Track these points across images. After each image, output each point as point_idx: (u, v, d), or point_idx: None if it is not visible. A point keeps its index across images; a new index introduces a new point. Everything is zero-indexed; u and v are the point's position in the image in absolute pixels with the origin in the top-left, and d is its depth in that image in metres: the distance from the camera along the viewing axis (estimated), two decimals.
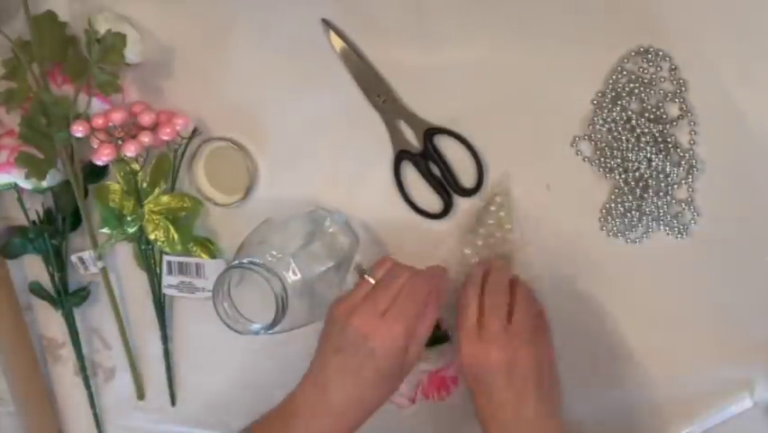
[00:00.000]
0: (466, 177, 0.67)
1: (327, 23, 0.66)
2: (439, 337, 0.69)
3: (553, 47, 0.62)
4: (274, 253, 0.60)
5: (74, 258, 0.77)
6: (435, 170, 0.67)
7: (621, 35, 0.61)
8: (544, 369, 0.61)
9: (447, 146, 0.66)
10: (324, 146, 0.69)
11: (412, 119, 0.66)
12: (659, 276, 0.64)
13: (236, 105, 0.70)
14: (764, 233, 0.61)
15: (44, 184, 0.72)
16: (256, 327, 0.60)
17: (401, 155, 0.67)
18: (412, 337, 0.60)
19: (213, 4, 0.69)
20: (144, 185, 0.72)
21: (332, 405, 0.60)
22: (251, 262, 0.59)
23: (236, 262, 0.59)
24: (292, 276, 0.60)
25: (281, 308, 0.58)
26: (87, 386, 0.81)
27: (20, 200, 0.75)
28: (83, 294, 0.79)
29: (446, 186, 0.67)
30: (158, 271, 0.75)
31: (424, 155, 0.66)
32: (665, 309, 0.65)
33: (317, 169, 0.70)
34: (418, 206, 0.68)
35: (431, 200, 0.67)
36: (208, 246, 0.73)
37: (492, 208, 0.66)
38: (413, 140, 0.67)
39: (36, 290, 0.79)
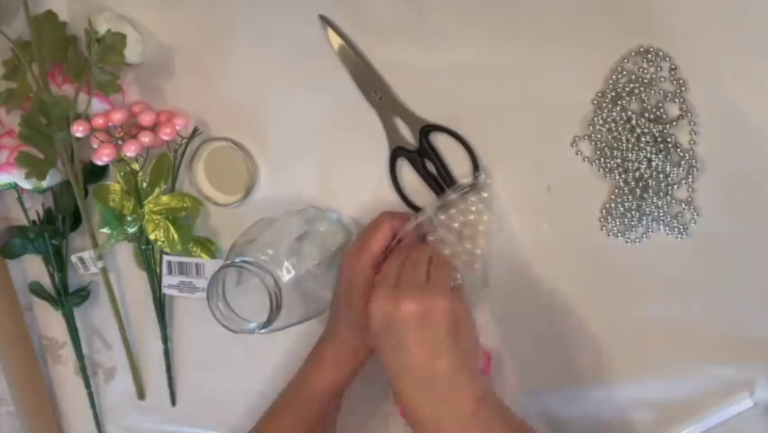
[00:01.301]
0: (462, 174, 0.67)
1: (325, 20, 0.66)
2: None
3: (552, 46, 0.62)
4: (268, 251, 0.61)
5: (74, 258, 0.77)
6: (431, 168, 0.67)
7: (621, 35, 0.61)
8: (461, 326, 0.56)
9: (443, 144, 0.66)
10: (324, 145, 0.69)
11: (408, 116, 0.66)
12: (659, 276, 0.64)
13: (236, 105, 0.70)
14: (764, 232, 0.61)
15: (44, 184, 0.72)
16: (251, 325, 0.60)
17: (397, 152, 0.67)
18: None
19: (213, 4, 0.69)
20: (144, 185, 0.72)
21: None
22: (243, 261, 0.59)
23: (229, 261, 0.59)
24: (285, 274, 0.60)
25: (275, 306, 0.58)
26: (87, 386, 0.81)
27: (20, 200, 0.75)
28: (83, 294, 0.79)
29: (441, 183, 0.67)
30: (158, 271, 0.75)
31: (419, 152, 0.66)
32: (665, 309, 0.65)
33: (317, 168, 0.70)
34: (413, 202, 0.68)
35: (426, 197, 0.67)
36: (208, 246, 0.73)
37: (473, 199, 0.65)
38: (409, 137, 0.67)
39: (36, 290, 0.79)
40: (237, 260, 0.59)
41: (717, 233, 0.62)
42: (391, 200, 0.68)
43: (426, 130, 0.66)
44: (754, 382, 0.64)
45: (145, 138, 0.67)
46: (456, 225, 0.66)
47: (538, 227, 0.66)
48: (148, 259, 0.75)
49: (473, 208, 0.65)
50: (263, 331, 0.60)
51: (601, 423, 0.69)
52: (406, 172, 0.68)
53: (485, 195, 0.65)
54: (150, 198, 0.72)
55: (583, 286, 0.66)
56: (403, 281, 0.57)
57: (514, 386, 0.70)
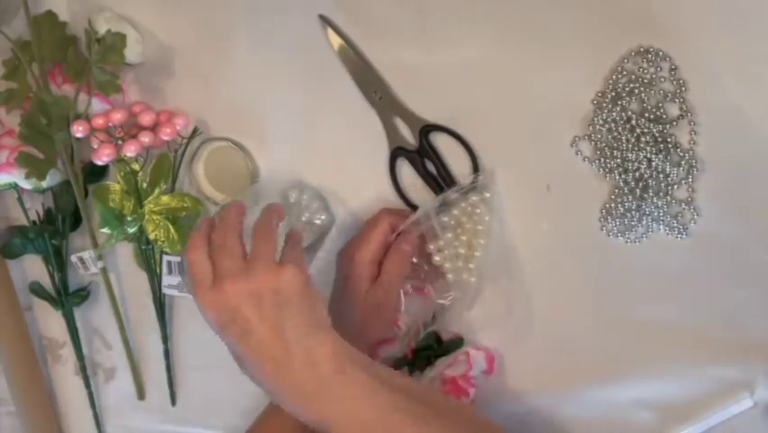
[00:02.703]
0: (462, 174, 0.67)
1: (325, 20, 0.66)
2: (453, 344, 0.69)
3: (553, 47, 0.62)
4: (248, 231, 0.61)
5: (74, 258, 0.77)
6: (431, 168, 0.67)
7: (621, 35, 0.61)
8: (296, 290, 0.53)
9: (443, 144, 0.66)
10: (324, 145, 0.69)
11: (408, 116, 0.66)
12: (659, 276, 0.64)
13: (236, 105, 0.70)
14: (764, 232, 0.61)
15: (44, 184, 0.72)
16: None
17: (397, 152, 0.67)
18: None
19: (213, 4, 0.69)
20: (144, 185, 0.72)
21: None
22: None
23: None
24: None
25: None
26: (87, 386, 0.81)
27: (20, 200, 0.75)
28: (83, 294, 0.79)
29: (441, 183, 0.67)
30: (158, 271, 0.75)
31: (419, 152, 0.66)
32: (665, 309, 0.65)
33: (317, 168, 0.70)
34: (413, 202, 0.68)
35: (426, 197, 0.67)
36: None
37: (473, 199, 0.65)
38: (409, 137, 0.67)
39: (36, 290, 0.79)
40: None
41: (718, 233, 0.62)
42: (391, 200, 0.68)
43: (426, 130, 0.66)
44: (754, 382, 0.64)
45: (145, 138, 0.67)
46: (454, 223, 0.66)
47: (538, 227, 0.66)
48: (148, 259, 0.75)
49: (473, 209, 0.65)
50: None
51: (601, 423, 0.69)
52: (407, 173, 0.68)
53: (486, 195, 0.65)
54: (150, 198, 0.72)
55: (583, 286, 0.66)
56: (221, 270, 0.53)
57: (514, 386, 0.70)
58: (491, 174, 0.65)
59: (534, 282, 0.67)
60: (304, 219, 0.66)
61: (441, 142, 0.66)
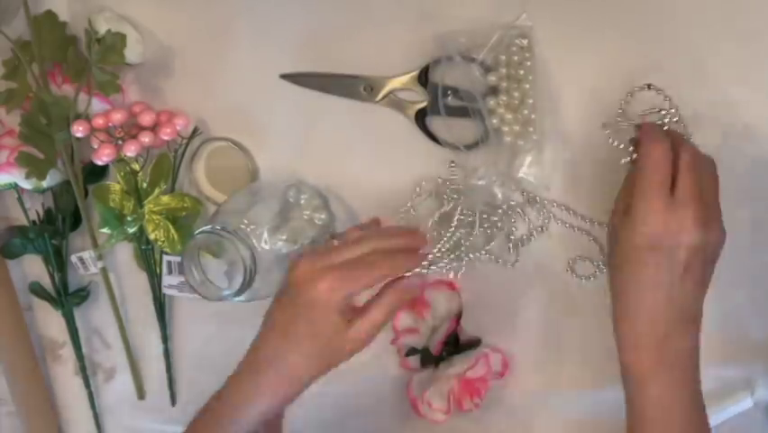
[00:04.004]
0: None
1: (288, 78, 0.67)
2: (469, 343, 0.69)
3: None
4: (246, 222, 0.61)
5: (74, 258, 0.77)
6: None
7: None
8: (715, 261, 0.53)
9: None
10: (324, 145, 0.69)
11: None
12: None
13: (236, 105, 0.70)
14: (765, 233, 0.61)
15: (44, 184, 0.72)
16: (226, 292, 0.61)
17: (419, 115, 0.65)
18: (361, 311, 0.56)
19: (213, 4, 0.69)
20: (144, 185, 0.72)
21: (259, 359, 0.58)
22: (223, 229, 0.59)
23: (209, 227, 0.60)
24: (263, 246, 0.61)
25: (249, 276, 0.59)
26: (87, 386, 0.81)
27: (20, 200, 0.75)
28: (83, 294, 0.79)
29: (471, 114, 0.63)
30: (158, 271, 0.75)
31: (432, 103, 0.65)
32: None
33: (317, 168, 0.70)
34: (452, 142, 0.65)
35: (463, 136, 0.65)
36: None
37: (514, 49, 0.61)
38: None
39: (36, 290, 0.79)
40: (218, 227, 0.60)
41: None
42: (392, 200, 0.68)
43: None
44: (754, 382, 0.64)
45: (145, 138, 0.67)
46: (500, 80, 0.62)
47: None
48: (148, 259, 0.75)
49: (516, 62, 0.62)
50: (241, 299, 0.61)
51: (601, 423, 0.69)
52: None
53: (524, 42, 0.62)
54: (150, 198, 0.72)
55: (584, 285, 0.66)
56: (683, 190, 0.51)
57: (516, 385, 0.70)
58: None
59: (536, 282, 0.67)
60: (304, 218, 0.66)
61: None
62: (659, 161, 0.51)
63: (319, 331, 0.55)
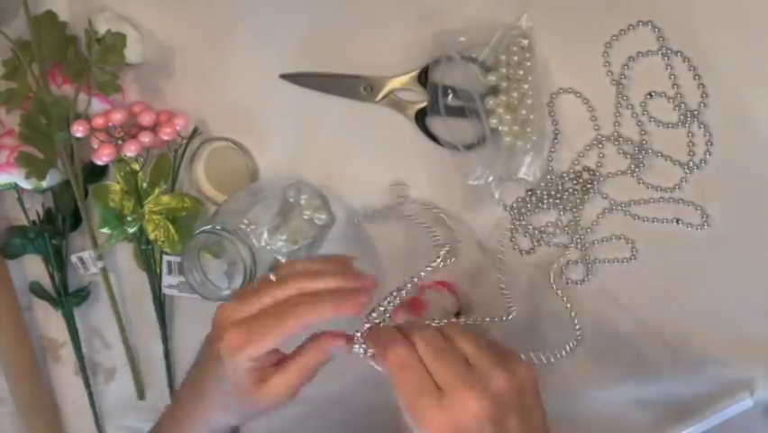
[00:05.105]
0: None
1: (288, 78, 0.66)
2: None
3: None
4: (246, 222, 0.61)
5: (74, 258, 0.77)
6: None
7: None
8: (535, 393, 0.49)
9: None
10: (324, 145, 0.69)
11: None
12: (659, 276, 0.64)
13: (236, 105, 0.70)
14: (765, 232, 0.61)
15: (44, 184, 0.72)
16: (226, 292, 0.61)
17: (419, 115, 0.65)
18: (278, 368, 0.50)
19: (213, 4, 0.69)
20: (144, 185, 0.72)
21: (190, 381, 0.57)
22: (223, 229, 0.59)
23: (209, 226, 0.60)
24: (263, 246, 0.61)
25: (249, 276, 0.59)
26: (87, 386, 0.81)
27: (20, 200, 0.75)
28: (83, 294, 0.79)
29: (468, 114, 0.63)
30: (158, 271, 0.75)
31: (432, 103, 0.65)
32: (665, 309, 0.65)
33: (317, 168, 0.70)
34: (451, 142, 0.64)
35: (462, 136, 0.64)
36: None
37: (514, 49, 0.61)
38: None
39: (36, 290, 0.79)
40: (218, 227, 0.60)
41: (719, 233, 0.62)
42: (392, 200, 0.68)
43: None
44: (754, 382, 0.64)
45: (145, 138, 0.67)
46: (500, 80, 0.61)
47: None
48: (148, 259, 0.75)
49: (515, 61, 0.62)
50: None
51: (601, 423, 0.69)
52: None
53: (524, 42, 0.61)
54: (150, 198, 0.72)
55: (584, 286, 0.66)
56: (444, 379, 0.46)
57: None
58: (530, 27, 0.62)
59: (535, 282, 0.67)
60: (304, 218, 0.66)
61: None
62: (403, 366, 0.47)
63: (227, 389, 0.52)
